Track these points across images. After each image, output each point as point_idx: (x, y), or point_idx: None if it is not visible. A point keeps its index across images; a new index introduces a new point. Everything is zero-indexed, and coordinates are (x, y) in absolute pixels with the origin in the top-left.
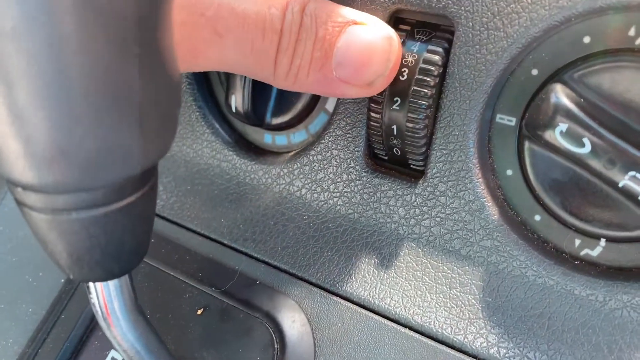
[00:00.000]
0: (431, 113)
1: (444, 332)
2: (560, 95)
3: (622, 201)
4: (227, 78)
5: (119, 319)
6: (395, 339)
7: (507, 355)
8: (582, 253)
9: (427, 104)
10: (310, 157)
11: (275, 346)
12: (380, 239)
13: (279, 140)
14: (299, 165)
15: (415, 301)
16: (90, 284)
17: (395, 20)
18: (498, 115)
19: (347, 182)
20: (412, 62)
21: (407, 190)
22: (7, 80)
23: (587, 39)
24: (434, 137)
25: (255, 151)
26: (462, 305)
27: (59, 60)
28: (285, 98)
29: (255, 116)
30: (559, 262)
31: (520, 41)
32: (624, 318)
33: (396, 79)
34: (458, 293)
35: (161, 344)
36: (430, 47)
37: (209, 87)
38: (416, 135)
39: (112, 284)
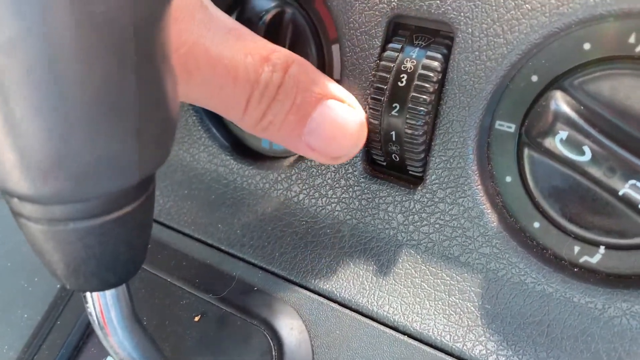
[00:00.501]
0: (430, 119)
1: (443, 339)
2: (560, 102)
3: (621, 209)
4: None
5: (115, 328)
6: (394, 347)
7: None
8: (582, 260)
9: (426, 110)
10: (308, 163)
11: (273, 353)
12: (378, 245)
13: (277, 144)
14: (297, 170)
15: (414, 308)
16: (87, 294)
17: (394, 26)
18: (497, 122)
19: (345, 187)
20: (411, 68)
21: (405, 197)
22: (3, 92)
23: (587, 46)
24: (432, 143)
25: (253, 156)
26: (461, 313)
27: (54, 72)
28: None
29: None
30: (558, 270)
31: (520, 48)
32: (623, 326)
33: (395, 85)
34: (457, 300)
35: (158, 352)
36: (429, 53)
37: None
38: (415, 141)
39: (108, 293)
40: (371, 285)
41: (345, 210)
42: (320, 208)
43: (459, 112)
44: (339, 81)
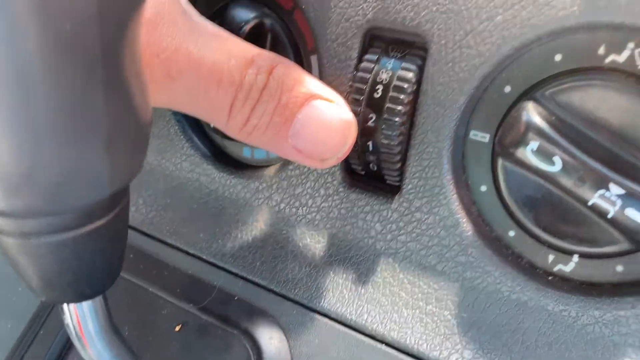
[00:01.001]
0: (406, 129)
1: (420, 348)
2: (532, 113)
3: (592, 218)
4: None
5: (93, 339)
6: (372, 355)
7: None
8: (556, 268)
9: (401, 120)
10: (289, 172)
11: None
12: (358, 254)
13: (258, 154)
14: (277, 180)
15: (392, 317)
16: (64, 305)
17: (370, 37)
18: (472, 132)
19: (324, 197)
20: (386, 79)
21: (383, 206)
22: None
23: (558, 57)
24: (408, 153)
25: (235, 165)
26: (438, 321)
27: (22, 88)
28: None
29: None
30: (533, 278)
31: (492, 59)
32: (596, 334)
33: (371, 96)
34: (434, 308)
35: None
36: (404, 65)
37: None
38: (391, 151)
39: (85, 304)
40: (350, 294)
41: (325, 220)
42: (301, 217)
43: (434, 123)
44: None
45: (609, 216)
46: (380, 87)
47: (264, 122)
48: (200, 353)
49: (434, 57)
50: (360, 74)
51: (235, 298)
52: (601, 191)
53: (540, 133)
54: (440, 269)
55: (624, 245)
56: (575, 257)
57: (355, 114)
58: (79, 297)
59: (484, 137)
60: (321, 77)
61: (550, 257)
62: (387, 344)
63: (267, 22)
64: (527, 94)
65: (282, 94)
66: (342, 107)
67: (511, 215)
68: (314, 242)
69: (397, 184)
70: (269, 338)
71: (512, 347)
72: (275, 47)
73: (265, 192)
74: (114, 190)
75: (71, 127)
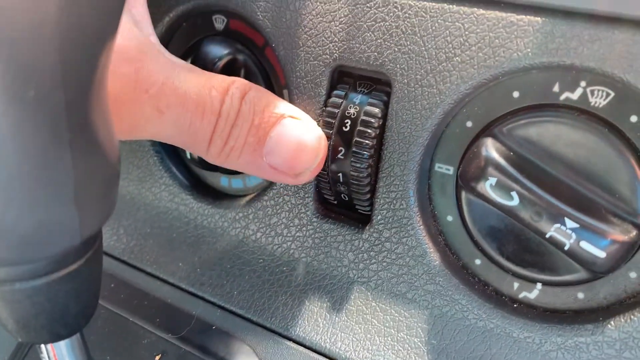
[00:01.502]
0: (374, 162)
1: None
2: (491, 149)
3: (551, 249)
4: None
5: None
6: None
7: None
8: (521, 296)
9: (369, 154)
10: (264, 202)
11: None
12: (332, 282)
13: (235, 183)
14: (253, 209)
15: (365, 344)
16: (42, 345)
17: (338, 74)
18: (437, 164)
19: (299, 226)
20: (354, 114)
21: (355, 236)
22: None
23: (516, 94)
24: (377, 185)
25: (213, 195)
26: (409, 348)
27: None
28: None
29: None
30: (499, 306)
31: (452, 97)
32: (559, 359)
33: (340, 130)
34: (405, 336)
35: None
36: (371, 100)
37: None
38: (361, 183)
39: (62, 343)
40: (324, 322)
41: (300, 249)
42: (277, 246)
43: (399, 157)
44: None
45: (566, 248)
46: (348, 122)
47: (240, 143)
48: None
49: (397, 94)
50: (329, 108)
51: (213, 327)
52: (557, 225)
53: (498, 168)
54: (410, 297)
55: (583, 274)
56: (539, 285)
57: (326, 148)
58: (54, 338)
59: (449, 170)
60: None
61: (515, 285)
62: None
63: (240, 57)
64: (487, 129)
65: (254, 115)
66: (311, 124)
67: (476, 244)
68: (290, 271)
69: (368, 213)
70: None
71: None
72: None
73: (242, 222)
74: (85, 237)
75: (39, 185)
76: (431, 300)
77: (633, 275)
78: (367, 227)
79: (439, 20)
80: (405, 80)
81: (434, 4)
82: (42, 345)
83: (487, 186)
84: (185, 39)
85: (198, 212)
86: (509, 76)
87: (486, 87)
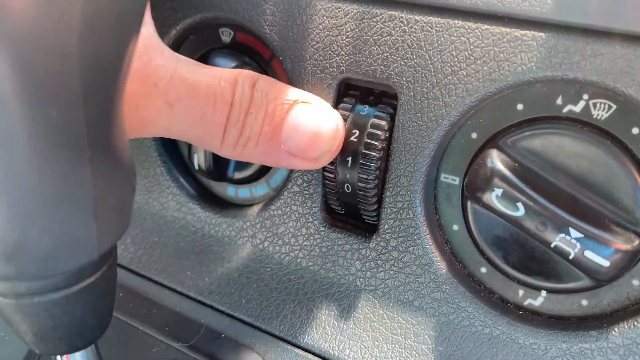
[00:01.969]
0: (380, 173)
1: None
2: (496, 160)
3: (556, 258)
4: None
5: None
6: None
7: None
8: (526, 303)
9: (376, 165)
10: (272, 212)
11: None
12: (339, 290)
13: (242, 193)
14: (261, 219)
15: (373, 352)
16: (58, 356)
17: (345, 86)
18: (443, 175)
19: (306, 236)
20: (361, 126)
21: (362, 245)
22: None
23: (520, 107)
24: (383, 195)
25: (220, 204)
26: (417, 355)
27: (13, 169)
28: None
29: (218, 172)
30: (504, 313)
31: (457, 109)
32: None
33: (347, 142)
34: (412, 343)
35: None
36: (377, 113)
37: (173, 141)
38: (368, 194)
39: (77, 354)
40: (333, 330)
41: (307, 257)
42: (284, 255)
43: (405, 168)
44: None
45: (570, 257)
46: (356, 133)
47: (256, 132)
48: None
49: (403, 107)
50: None
51: (222, 336)
52: (562, 235)
53: (504, 179)
54: (417, 305)
55: (587, 281)
56: (544, 293)
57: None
58: (70, 349)
59: (454, 180)
60: None
61: (520, 292)
62: None
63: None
64: (492, 140)
65: (267, 103)
66: (327, 106)
67: (482, 253)
68: (297, 279)
69: (375, 222)
70: None
71: None
72: None
73: (249, 231)
74: (103, 252)
75: (59, 202)
76: (438, 308)
77: (636, 282)
78: (374, 236)
79: (445, 35)
80: (412, 93)
81: (439, 19)
82: (58, 357)
83: (493, 197)
84: (192, 51)
85: (205, 221)
86: (513, 89)
87: (491, 99)
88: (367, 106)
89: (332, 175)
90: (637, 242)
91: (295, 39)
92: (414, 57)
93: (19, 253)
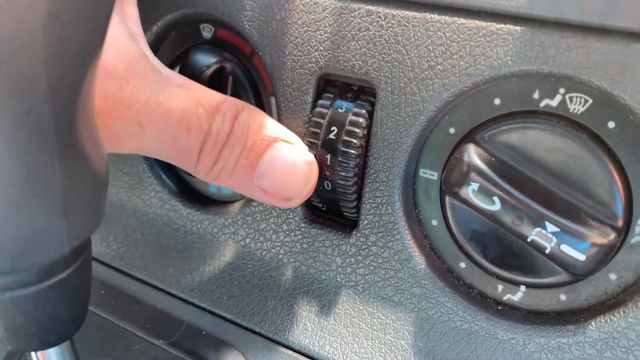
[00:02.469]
0: (359, 169)
1: None
2: (473, 155)
3: (534, 252)
4: None
5: None
6: None
7: None
8: (505, 298)
9: (354, 162)
10: (253, 208)
11: None
12: (320, 286)
13: (224, 189)
14: (242, 215)
15: (353, 348)
16: (32, 352)
17: (324, 82)
18: (421, 170)
19: (287, 232)
20: (339, 122)
21: (342, 241)
22: None
23: (497, 101)
24: (363, 191)
25: (202, 201)
26: (396, 351)
27: None
28: None
29: None
30: (483, 308)
31: (434, 104)
32: None
33: (325, 139)
34: (392, 339)
35: None
36: (356, 109)
37: None
38: (347, 190)
39: (52, 350)
40: (313, 326)
41: (289, 254)
42: (265, 251)
43: (384, 164)
44: None
45: (547, 251)
46: (334, 130)
47: (231, 164)
48: None
49: (381, 102)
50: (315, 118)
51: (204, 332)
52: (538, 229)
53: (480, 174)
54: (397, 300)
55: (565, 276)
56: (523, 287)
57: (313, 155)
58: (44, 345)
59: (433, 175)
60: (279, 119)
61: (500, 287)
62: None
63: (228, 66)
64: (469, 135)
65: (247, 137)
66: (304, 149)
67: (461, 248)
68: (279, 276)
69: (355, 218)
70: None
71: None
72: (237, 90)
73: (231, 228)
74: (74, 247)
75: (28, 196)
76: (417, 304)
77: (613, 277)
78: (354, 232)
79: (421, 30)
80: (389, 88)
81: (416, 13)
82: (32, 353)
83: (470, 191)
84: (173, 48)
85: (188, 218)
86: (489, 84)
87: (468, 94)
88: (346, 102)
89: None
90: (613, 236)
91: (274, 34)
92: (392, 52)
93: None
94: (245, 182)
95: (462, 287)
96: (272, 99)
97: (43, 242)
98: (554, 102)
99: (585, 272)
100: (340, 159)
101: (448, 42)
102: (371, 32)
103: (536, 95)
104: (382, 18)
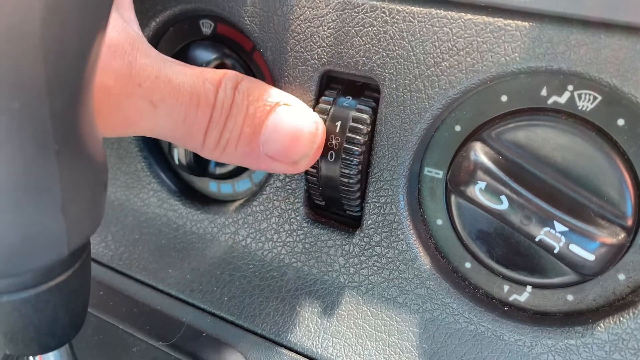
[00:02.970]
0: (363, 167)
1: None
2: (480, 153)
3: (541, 252)
4: None
5: None
6: None
7: None
8: (511, 298)
9: (358, 160)
10: (254, 208)
11: None
12: (322, 287)
13: (224, 188)
14: (243, 215)
15: (356, 349)
16: (30, 357)
17: (327, 79)
18: (426, 169)
19: (289, 232)
20: (342, 120)
21: (345, 241)
22: None
23: (504, 98)
24: (366, 190)
25: (201, 200)
26: (401, 353)
27: None
28: None
29: (199, 167)
30: (489, 309)
31: (440, 102)
32: None
33: (329, 136)
34: (396, 340)
35: None
36: (359, 107)
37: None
38: (351, 189)
39: (51, 354)
40: (316, 327)
41: (290, 254)
42: (267, 252)
43: (389, 162)
44: None
45: (555, 251)
46: (337, 128)
47: (235, 134)
48: None
49: (386, 99)
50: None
51: (204, 334)
52: (546, 228)
53: (487, 172)
54: (401, 301)
55: (572, 276)
56: (529, 288)
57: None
58: (43, 350)
59: (438, 174)
60: None
61: (506, 288)
62: None
63: (228, 62)
64: (476, 133)
65: (249, 105)
66: (307, 110)
67: (466, 248)
68: (280, 276)
69: (358, 214)
70: None
71: None
72: None
73: (231, 227)
74: (73, 249)
75: (26, 197)
76: (422, 304)
77: (621, 277)
78: (357, 232)
79: (427, 25)
80: (394, 85)
81: (421, 8)
82: (31, 357)
83: (477, 190)
84: (172, 43)
85: (187, 218)
86: (497, 81)
87: (474, 91)
88: (349, 99)
89: (314, 170)
90: (622, 236)
91: (276, 30)
92: (396, 48)
93: None
94: (251, 151)
95: (468, 287)
96: None
97: (41, 244)
98: (562, 99)
99: (594, 272)
100: (343, 156)
101: (454, 38)
102: (375, 28)
103: (544, 92)
104: (387, 13)
